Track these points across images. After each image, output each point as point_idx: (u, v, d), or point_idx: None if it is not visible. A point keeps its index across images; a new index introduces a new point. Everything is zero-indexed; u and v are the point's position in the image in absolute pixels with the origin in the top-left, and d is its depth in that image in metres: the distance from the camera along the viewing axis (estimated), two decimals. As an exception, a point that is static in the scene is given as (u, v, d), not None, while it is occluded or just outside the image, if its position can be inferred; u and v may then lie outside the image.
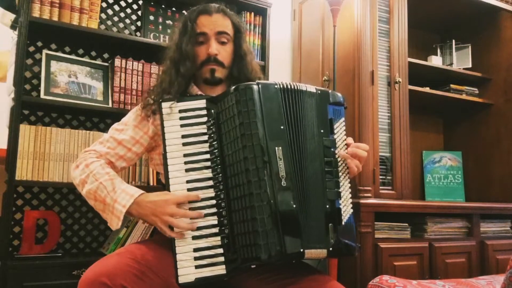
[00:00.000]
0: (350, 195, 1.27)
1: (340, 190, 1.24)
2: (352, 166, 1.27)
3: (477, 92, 2.83)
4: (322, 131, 1.25)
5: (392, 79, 2.29)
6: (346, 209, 1.24)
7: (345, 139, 1.31)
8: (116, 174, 1.31)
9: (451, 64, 2.84)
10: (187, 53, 1.39)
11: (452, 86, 2.73)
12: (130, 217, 1.24)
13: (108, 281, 1.07)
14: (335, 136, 1.28)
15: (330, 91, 1.33)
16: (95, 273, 1.08)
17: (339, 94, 1.33)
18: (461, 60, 2.88)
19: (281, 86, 1.23)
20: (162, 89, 1.37)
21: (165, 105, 1.26)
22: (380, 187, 2.18)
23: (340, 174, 1.26)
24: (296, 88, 1.25)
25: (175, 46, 1.43)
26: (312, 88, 1.29)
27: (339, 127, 1.30)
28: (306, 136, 1.22)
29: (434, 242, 2.17)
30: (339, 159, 1.27)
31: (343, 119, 1.32)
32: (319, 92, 1.29)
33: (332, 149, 1.25)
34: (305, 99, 1.25)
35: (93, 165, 1.29)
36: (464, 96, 2.75)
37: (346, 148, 1.30)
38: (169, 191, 1.20)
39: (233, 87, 1.22)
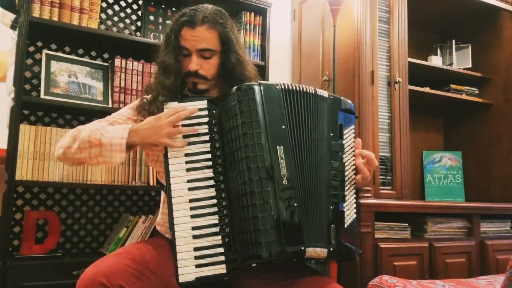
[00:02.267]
0: (355, 200, 1.28)
1: (345, 193, 1.24)
2: (359, 163, 1.29)
3: (477, 92, 2.83)
4: (331, 134, 1.27)
5: (392, 79, 2.29)
6: (350, 213, 1.25)
7: (353, 146, 1.32)
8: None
9: (451, 64, 2.84)
10: (171, 67, 1.35)
11: (452, 86, 2.73)
12: (132, 147, 1.26)
13: (106, 281, 1.06)
14: (344, 142, 1.29)
15: (342, 98, 1.34)
16: (93, 273, 1.08)
17: (351, 103, 1.35)
18: (461, 60, 2.88)
19: (283, 87, 1.24)
20: (156, 92, 1.35)
21: (166, 105, 1.27)
22: (380, 187, 2.18)
23: (346, 178, 1.27)
24: (297, 89, 1.26)
25: (163, 53, 1.39)
26: (324, 93, 1.30)
27: (349, 133, 1.32)
28: (311, 137, 1.23)
29: (434, 242, 2.17)
30: (346, 164, 1.28)
31: (353, 126, 1.34)
32: (331, 97, 1.31)
33: (339, 153, 1.26)
34: (310, 101, 1.26)
35: (81, 127, 1.31)
36: (464, 96, 2.75)
37: (354, 156, 1.31)
38: (170, 190, 1.20)
39: (235, 87, 1.23)
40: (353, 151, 1.32)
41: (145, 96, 1.40)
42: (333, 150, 1.25)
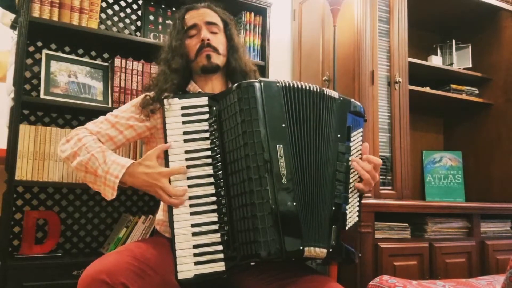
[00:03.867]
0: (358, 203, 1.27)
1: (348, 195, 1.24)
2: (359, 169, 1.25)
3: (477, 92, 2.83)
4: (339, 136, 1.26)
5: (392, 79, 2.29)
6: (352, 216, 1.24)
7: (360, 149, 1.31)
8: (107, 148, 1.32)
9: (451, 64, 2.84)
10: (177, 48, 1.42)
11: (452, 86, 2.73)
12: (123, 186, 1.25)
13: (108, 278, 1.06)
14: (351, 144, 1.28)
15: (352, 100, 1.33)
16: (95, 271, 1.08)
17: (361, 105, 1.34)
18: (461, 60, 2.88)
19: (283, 84, 1.23)
20: (159, 88, 1.37)
21: (167, 102, 1.26)
22: (380, 187, 2.18)
23: (351, 180, 1.26)
24: (299, 87, 1.24)
25: (167, 48, 1.47)
26: (334, 94, 1.30)
27: (356, 136, 1.31)
28: (314, 135, 1.22)
29: (434, 242, 2.17)
30: (351, 167, 1.27)
31: (361, 130, 1.33)
32: (341, 98, 1.30)
33: (345, 155, 1.25)
34: (312, 99, 1.25)
35: (85, 139, 1.31)
36: (464, 96, 2.75)
37: (361, 158, 1.30)
38: None
39: (235, 84, 1.23)
40: (360, 154, 1.31)
41: (148, 93, 1.41)
42: (339, 151, 1.24)
